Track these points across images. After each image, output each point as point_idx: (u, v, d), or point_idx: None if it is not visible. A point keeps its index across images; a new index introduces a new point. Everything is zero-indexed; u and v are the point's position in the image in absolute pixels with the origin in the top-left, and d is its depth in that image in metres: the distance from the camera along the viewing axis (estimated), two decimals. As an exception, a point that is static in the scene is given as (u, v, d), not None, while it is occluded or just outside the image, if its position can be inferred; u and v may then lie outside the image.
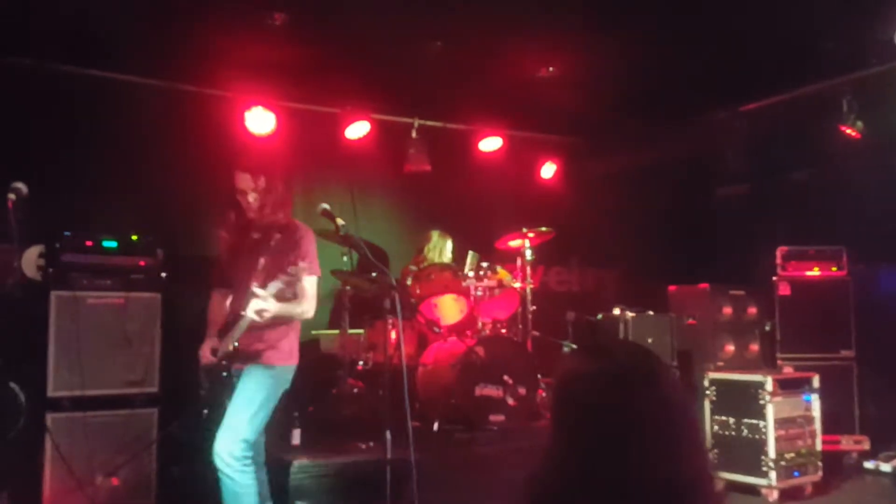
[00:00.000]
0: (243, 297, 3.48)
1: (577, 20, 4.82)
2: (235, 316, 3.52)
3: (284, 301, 3.46)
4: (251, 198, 3.56)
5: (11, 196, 2.78)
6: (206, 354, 3.61)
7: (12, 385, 4.26)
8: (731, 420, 5.23)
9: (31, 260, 4.60)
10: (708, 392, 5.41)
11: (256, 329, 3.48)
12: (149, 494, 4.42)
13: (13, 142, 4.62)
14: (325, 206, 4.16)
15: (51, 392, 4.27)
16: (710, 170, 6.85)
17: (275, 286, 3.38)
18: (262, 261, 3.56)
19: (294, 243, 3.61)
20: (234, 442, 3.40)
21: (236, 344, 3.48)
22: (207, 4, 4.53)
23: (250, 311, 3.37)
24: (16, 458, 4.13)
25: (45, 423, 4.20)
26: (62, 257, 4.41)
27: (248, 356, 3.55)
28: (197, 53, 5.13)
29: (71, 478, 4.12)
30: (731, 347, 5.98)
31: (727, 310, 6.03)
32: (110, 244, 4.55)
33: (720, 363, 5.81)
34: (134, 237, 4.63)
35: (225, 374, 3.55)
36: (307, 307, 3.60)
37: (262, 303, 3.36)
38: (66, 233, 4.48)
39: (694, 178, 7.01)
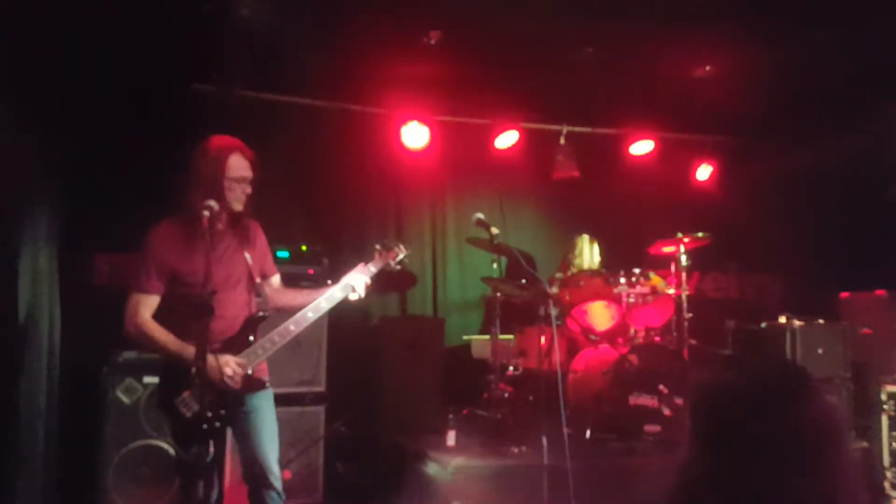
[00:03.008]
0: (238, 300, 3.17)
1: (736, 16, 4.65)
2: (249, 326, 3.16)
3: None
4: (248, 189, 3.19)
5: (206, 213, 3.08)
6: (236, 374, 3.03)
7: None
8: (914, 438, 4.84)
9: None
10: (886, 406, 5.02)
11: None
12: (317, 488, 4.65)
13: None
14: (480, 215, 4.27)
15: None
16: (884, 167, 6.33)
17: (344, 288, 3.19)
18: (247, 255, 3.21)
19: (263, 242, 3.35)
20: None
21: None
22: (369, 29, 4.78)
23: (292, 324, 3.12)
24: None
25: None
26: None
27: (257, 380, 3.18)
28: (358, 74, 5.43)
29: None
30: (912, 359, 5.52)
31: (908, 318, 5.56)
32: (283, 254, 4.88)
33: (900, 376, 5.38)
34: (303, 248, 4.95)
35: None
36: None
37: (310, 313, 3.14)
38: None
39: (866, 177, 6.48)
